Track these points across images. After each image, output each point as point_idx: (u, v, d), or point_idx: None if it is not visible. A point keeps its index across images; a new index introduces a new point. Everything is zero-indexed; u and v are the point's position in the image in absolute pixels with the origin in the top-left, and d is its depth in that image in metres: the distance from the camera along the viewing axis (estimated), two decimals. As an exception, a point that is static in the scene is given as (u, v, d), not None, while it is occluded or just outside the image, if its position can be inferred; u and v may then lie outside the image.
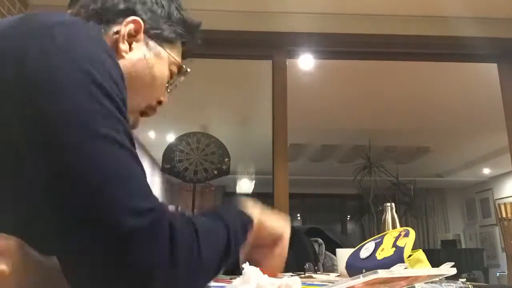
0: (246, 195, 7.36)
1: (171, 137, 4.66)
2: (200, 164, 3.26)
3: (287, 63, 2.88)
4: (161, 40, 0.77)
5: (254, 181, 6.81)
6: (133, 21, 0.72)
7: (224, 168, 3.30)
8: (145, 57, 0.74)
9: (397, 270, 0.80)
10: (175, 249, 0.47)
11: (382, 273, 0.58)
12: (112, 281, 0.45)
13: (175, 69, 0.81)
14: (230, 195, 7.76)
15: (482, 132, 5.17)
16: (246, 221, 0.66)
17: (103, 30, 0.71)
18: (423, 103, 4.32)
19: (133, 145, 0.52)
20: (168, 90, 0.83)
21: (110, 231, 0.44)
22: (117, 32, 0.71)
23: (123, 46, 0.71)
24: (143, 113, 0.80)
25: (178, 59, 0.81)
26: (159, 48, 0.76)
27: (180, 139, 3.39)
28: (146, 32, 0.74)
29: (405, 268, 0.86)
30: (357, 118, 4.72)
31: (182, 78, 0.85)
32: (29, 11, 2.72)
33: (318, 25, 2.81)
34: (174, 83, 0.84)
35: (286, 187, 2.66)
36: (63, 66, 0.51)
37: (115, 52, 0.71)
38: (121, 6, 0.73)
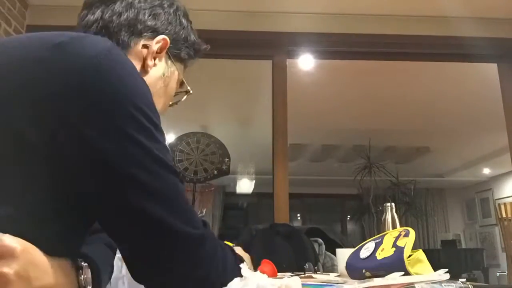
0: (246, 195, 7.37)
1: (171, 137, 4.66)
2: (200, 164, 3.26)
3: (287, 63, 2.88)
4: (176, 59, 0.83)
5: (254, 181, 6.81)
6: (163, 40, 0.78)
7: (224, 168, 3.29)
8: (163, 75, 0.80)
9: (392, 278, 0.80)
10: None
11: (377, 281, 0.59)
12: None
13: (178, 86, 0.88)
14: (230, 195, 7.76)
15: (482, 132, 5.17)
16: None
17: (132, 42, 0.75)
18: (423, 103, 4.32)
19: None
20: (171, 103, 0.89)
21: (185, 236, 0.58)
22: (146, 47, 0.76)
23: (150, 62, 0.77)
24: None
25: (183, 77, 0.88)
26: (174, 67, 0.83)
27: (180, 139, 3.39)
28: (167, 51, 0.80)
29: (401, 275, 0.86)
30: (357, 118, 4.72)
31: (185, 97, 0.92)
32: (29, 11, 2.72)
33: (318, 25, 2.81)
34: (176, 102, 0.91)
35: (286, 187, 2.66)
36: (121, 105, 0.56)
37: (142, 65, 0.76)
38: (152, 22, 0.77)
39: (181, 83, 0.87)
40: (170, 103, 0.87)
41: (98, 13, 0.75)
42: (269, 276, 0.60)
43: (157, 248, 0.57)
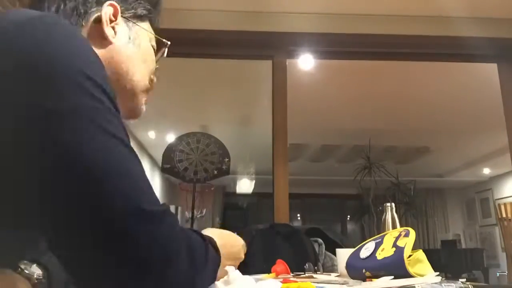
0: (246, 195, 7.38)
1: (171, 137, 4.66)
2: (200, 164, 3.26)
3: (287, 63, 2.88)
4: (136, 19, 0.80)
5: (254, 181, 6.82)
6: (110, 5, 0.75)
7: (224, 168, 3.29)
8: (130, 38, 0.77)
9: (382, 282, 0.81)
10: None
11: (366, 285, 0.59)
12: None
13: (154, 44, 0.84)
14: (230, 195, 7.77)
15: (482, 132, 5.17)
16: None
17: (83, 22, 0.72)
18: (423, 103, 4.32)
19: (127, 136, 0.54)
20: (157, 66, 0.86)
21: (129, 216, 0.48)
22: (98, 19, 0.73)
23: (109, 31, 0.73)
24: (148, 90, 0.83)
25: (153, 32, 0.84)
26: (137, 27, 0.79)
27: (180, 139, 3.39)
28: (122, 14, 0.77)
29: (391, 279, 0.86)
30: (357, 118, 4.72)
31: (166, 50, 0.88)
32: (29, 11, 2.72)
33: (318, 25, 2.81)
34: (160, 56, 0.87)
35: (286, 187, 2.66)
36: (62, 66, 0.51)
37: (102, 38, 0.73)
38: None
39: (156, 41, 0.84)
40: (157, 61, 0.85)
41: (45, 5, 0.73)
42: (277, 274, 0.60)
43: (112, 234, 0.48)
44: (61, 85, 0.50)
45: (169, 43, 0.87)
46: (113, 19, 0.75)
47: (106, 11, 0.74)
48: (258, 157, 5.42)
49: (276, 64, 2.85)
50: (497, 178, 7.22)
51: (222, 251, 0.67)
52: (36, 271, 0.56)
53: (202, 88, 3.93)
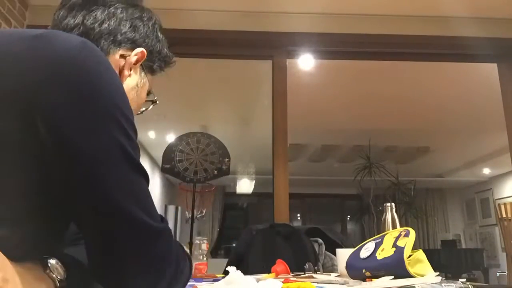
0: (246, 195, 7.37)
1: (171, 137, 4.67)
2: (200, 164, 3.26)
3: (287, 63, 2.88)
4: (148, 71, 0.86)
5: (254, 181, 6.82)
6: (141, 52, 0.80)
7: (224, 168, 3.29)
8: (137, 86, 0.83)
9: (382, 282, 0.81)
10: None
11: (366, 285, 0.59)
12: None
13: (145, 95, 0.89)
14: (230, 195, 7.76)
15: (482, 132, 5.17)
16: None
17: (111, 50, 0.77)
18: (423, 103, 4.32)
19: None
20: (139, 113, 0.91)
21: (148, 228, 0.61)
22: (123, 57, 0.79)
23: (127, 72, 0.79)
24: None
25: (151, 88, 0.90)
26: (145, 79, 0.85)
27: (180, 139, 3.39)
28: (142, 63, 0.82)
29: (391, 279, 0.86)
30: (357, 118, 4.72)
31: (151, 106, 0.94)
32: (29, 11, 2.72)
33: (318, 25, 2.81)
34: (145, 109, 0.93)
35: (286, 187, 2.66)
36: (97, 103, 0.58)
37: (118, 74, 0.77)
38: (131, 34, 0.80)
39: (148, 93, 0.89)
40: (139, 112, 0.89)
41: (79, 17, 0.76)
42: (277, 274, 0.60)
43: (126, 242, 0.59)
44: (103, 119, 0.57)
45: (157, 102, 0.93)
46: (135, 63, 0.80)
47: (136, 54, 0.80)
48: (258, 157, 5.43)
49: (276, 64, 2.85)
50: (497, 178, 7.22)
51: None
52: (60, 271, 0.62)
53: (202, 88, 3.93)
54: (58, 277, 0.61)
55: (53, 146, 0.55)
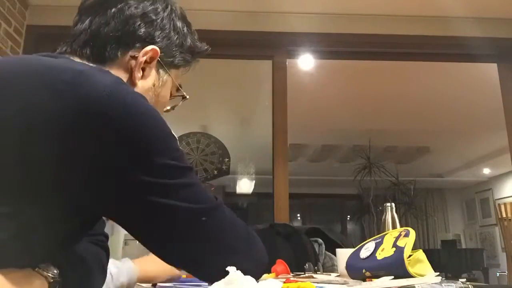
0: (246, 195, 7.37)
1: (171, 137, 4.66)
2: (200, 164, 3.26)
3: (287, 63, 2.88)
4: (170, 66, 0.79)
5: (254, 181, 6.81)
6: (151, 50, 0.74)
7: (224, 168, 3.29)
8: (154, 86, 0.77)
9: (382, 282, 0.81)
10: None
11: (366, 285, 0.59)
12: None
13: (174, 91, 0.84)
14: (230, 195, 7.76)
15: (482, 132, 5.17)
16: None
17: (119, 53, 0.72)
18: (423, 103, 4.32)
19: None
20: (165, 110, 0.85)
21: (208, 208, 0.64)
22: (134, 57, 0.73)
23: (138, 74, 0.73)
24: None
25: (179, 83, 0.84)
26: (166, 76, 0.79)
27: (180, 139, 3.39)
28: (159, 59, 0.76)
29: (391, 279, 0.86)
30: (357, 118, 4.72)
31: (181, 103, 0.88)
32: (29, 11, 2.72)
33: (318, 25, 2.81)
34: (172, 107, 0.88)
35: (286, 187, 2.66)
36: (154, 133, 0.59)
37: (129, 74, 0.73)
38: (142, 31, 0.74)
39: (176, 89, 0.84)
40: (165, 109, 0.85)
41: (86, 22, 0.73)
42: (277, 274, 0.60)
43: (182, 234, 0.61)
44: (153, 162, 0.58)
45: (187, 97, 0.88)
46: (148, 61, 0.74)
47: (146, 54, 0.73)
48: (258, 157, 5.41)
49: (276, 64, 2.86)
50: (497, 178, 7.22)
51: None
52: (52, 270, 0.61)
53: (202, 88, 3.93)
54: (50, 274, 0.60)
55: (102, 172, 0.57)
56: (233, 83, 3.90)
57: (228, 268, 0.57)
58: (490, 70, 3.02)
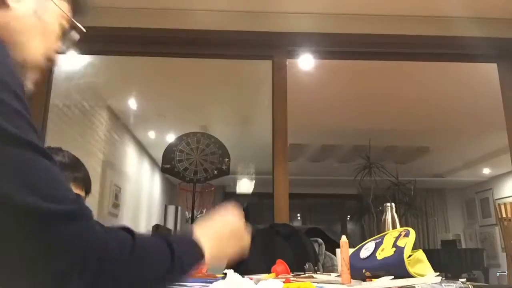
0: (246, 195, 7.37)
1: (171, 137, 4.66)
2: (200, 164, 3.26)
3: (287, 63, 2.88)
4: None
5: (254, 181, 6.81)
6: None
7: (224, 168, 3.30)
8: (34, 11, 0.68)
9: (382, 282, 0.80)
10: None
11: (366, 285, 0.59)
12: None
13: (65, 23, 0.75)
14: (230, 195, 7.76)
15: (482, 132, 5.17)
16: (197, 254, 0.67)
17: None
18: (423, 103, 4.32)
19: (38, 135, 0.52)
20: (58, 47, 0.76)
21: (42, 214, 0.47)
22: None
23: (8, 1, 0.64)
24: (40, 68, 0.74)
25: (67, 13, 0.75)
26: (48, 2, 0.70)
27: (180, 139, 3.39)
28: None
29: (391, 279, 0.86)
30: (357, 118, 4.72)
31: (78, 36, 0.78)
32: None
33: (318, 25, 2.81)
34: (69, 39, 0.77)
35: (286, 187, 2.66)
36: None
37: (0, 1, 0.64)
38: None
39: (68, 21, 0.75)
40: (58, 45, 0.75)
41: None
42: (277, 274, 0.60)
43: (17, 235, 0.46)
44: None
45: (84, 30, 0.77)
46: None
47: None
48: (258, 157, 5.41)
49: (276, 64, 2.85)
50: (497, 178, 7.22)
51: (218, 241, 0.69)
52: None
53: (202, 88, 3.93)
54: None
55: None
56: (233, 83, 3.90)
57: (226, 271, 0.57)
58: (490, 70, 3.01)
